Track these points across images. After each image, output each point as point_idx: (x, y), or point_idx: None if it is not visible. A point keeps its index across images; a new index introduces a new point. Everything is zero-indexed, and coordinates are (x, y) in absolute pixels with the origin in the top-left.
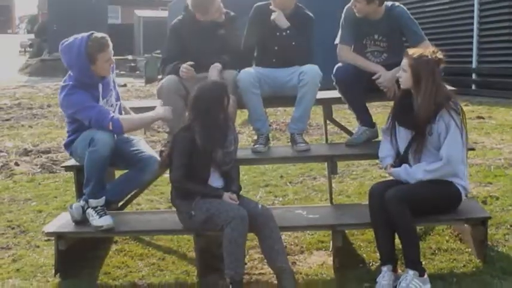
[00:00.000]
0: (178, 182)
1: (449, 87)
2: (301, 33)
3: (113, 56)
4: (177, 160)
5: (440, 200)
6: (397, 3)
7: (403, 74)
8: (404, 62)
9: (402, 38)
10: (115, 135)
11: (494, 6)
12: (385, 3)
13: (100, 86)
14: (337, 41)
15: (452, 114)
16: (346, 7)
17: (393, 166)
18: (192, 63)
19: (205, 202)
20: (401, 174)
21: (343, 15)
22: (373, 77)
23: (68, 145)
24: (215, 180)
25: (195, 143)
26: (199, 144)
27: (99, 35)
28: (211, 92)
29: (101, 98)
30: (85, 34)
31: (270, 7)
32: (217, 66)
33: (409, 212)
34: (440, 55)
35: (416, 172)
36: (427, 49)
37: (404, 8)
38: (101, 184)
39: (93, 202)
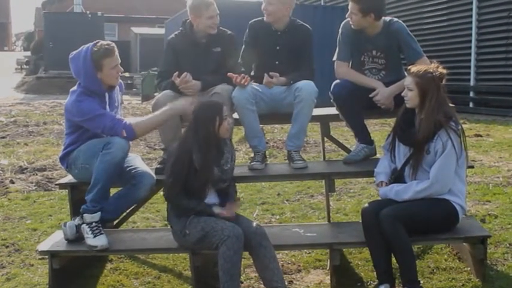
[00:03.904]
0: (171, 198)
1: (450, 105)
2: (301, 47)
3: None
4: (169, 174)
5: (436, 218)
6: (395, 19)
7: (409, 93)
8: (410, 80)
9: (400, 56)
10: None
11: (491, 24)
12: (384, 18)
13: (107, 96)
14: (334, 57)
15: (451, 135)
16: (343, 23)
17: (386, 184)
18: (187, 74)
19: (199, 221)
20: (388, 194)
21: (340, 31)
22: (371, 95)
23: (64, 158)
24: (210, 198)
25: (190, 158)
26: (197, 163)
27: (104, 42)
28: (204, 111)
29: (107, 108)
30: (92, 43)
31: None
32: (196, 85)
33: (404, 231)
34: (442, 69)
35: (405, 192)
36: (429, 65)
37: (403, 23)
38: (105, 191)
39: (87, 217)
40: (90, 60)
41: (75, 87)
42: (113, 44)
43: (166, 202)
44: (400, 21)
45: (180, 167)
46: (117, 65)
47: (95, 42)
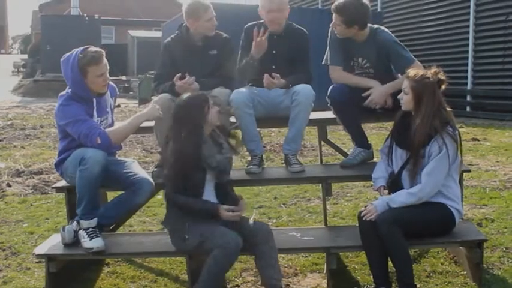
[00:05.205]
0: (170, 196)
1: (448, 109)
2: (298, 51)
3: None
4: (167, 172)
5: (433, 222)
6: (382, 27)
7: (405, 97)
8: (406, 84)
9: (391, 67)
10: (106, 154)
11: (489, 28)
12: (370, 26)
13: (94, 102)
14: (326, 61)
15: (446, 140)
16: (331, 27)
17: (385, 188)
18: (189, 77)
19: (199, 225)
20: (382, 206)
21: (329, 35)
22: (363, 94)
23: (59, 165)
24: (208, 198)
25: (189, 154)
26: (192, 153)
27: (93, 49)
28: (190, 101)
29: (95, 114)
30: (82, 47)
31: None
32: (196, 88)
33: (400, 235)
34: (442, 76)
35: (399, 195)
36: (427, 69)
37: (389, 32)
38: (93, 203)
39: (84, 223)
40: (77, 66)
41: (63, 92)
42: (102, 52)
43: (166, 205)
44: (386, 30)
45: (180, 165)
46: (104, 73)
47: (84, 47)
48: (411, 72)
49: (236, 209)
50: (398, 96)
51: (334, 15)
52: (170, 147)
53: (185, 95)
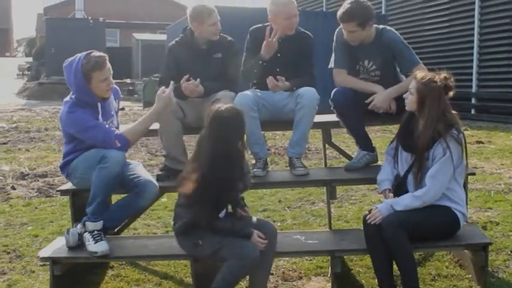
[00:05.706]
0: (210, 222)
1: (453, 112)
2: (303, 54)
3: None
4: (208, 197)
5: (437, 226)
6: (388, 27)
7: (409, 97)
8: (412, 84)
9: (396, 69)
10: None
11: (494, 30)
12: (376, 26)
13: (99, 106)
14: (331, 65)
15: (450, 143)
16: (337, 30)
17: (390, 191)
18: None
19: (217, 233)
20: (386, 210)
21: (334, 38)
22: (367, 101)
23: (64, 167)
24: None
25: (222, 177)
26: (233, 180)
27: (97, 53)
28: (236, 121)
29: (101, 118)
30: (85, 52)
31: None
32: (201, 90)
33: (405, 238)
34: (450, 82)
35: (402, 199)
36: (439, 74)
37: (396, 32)
38: (105, 204)
39: (90, 225)
40: (80, 71)
41: (67, 98)
42: (105, 56)
43: (174, 210)
44: (392, 29)
45: (220, 190)
46: (107, 78)
47: (87, 52)
48: (419, 74)
49: (264, 238)
50: (404, 96)
51: (345, 25)
52: (205, 165)
53: (227, 110)
